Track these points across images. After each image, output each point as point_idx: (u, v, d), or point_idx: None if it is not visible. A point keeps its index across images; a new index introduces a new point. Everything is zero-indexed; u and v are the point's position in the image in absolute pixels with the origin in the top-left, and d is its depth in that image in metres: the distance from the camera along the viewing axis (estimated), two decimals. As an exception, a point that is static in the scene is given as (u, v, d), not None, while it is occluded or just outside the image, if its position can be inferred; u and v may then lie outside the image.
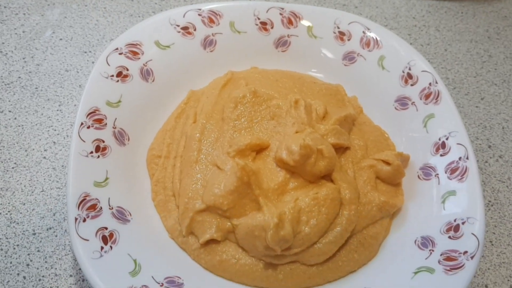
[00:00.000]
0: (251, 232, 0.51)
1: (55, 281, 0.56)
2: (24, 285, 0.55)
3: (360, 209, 0.55)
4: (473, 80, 0.82)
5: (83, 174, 0.52)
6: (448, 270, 0.49)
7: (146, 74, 0.64)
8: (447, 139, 0.59)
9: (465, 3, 0.94)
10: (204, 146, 0.57)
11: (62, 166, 0.65)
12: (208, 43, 0.69)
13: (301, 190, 0.54)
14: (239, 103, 0.59)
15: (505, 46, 0.88)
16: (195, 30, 0.68)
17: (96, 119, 0.57)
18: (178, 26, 0.67)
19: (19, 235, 0.59)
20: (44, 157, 0.65)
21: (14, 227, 0.59)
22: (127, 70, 0.62)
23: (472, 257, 0.49)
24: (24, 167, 0.64)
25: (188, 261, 0.54)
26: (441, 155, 0.59)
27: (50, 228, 0.60)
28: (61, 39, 0.79)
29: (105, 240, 0.50)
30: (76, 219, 0.49)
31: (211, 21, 0.69)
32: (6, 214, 0.60)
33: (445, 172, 0.57)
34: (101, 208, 0.52)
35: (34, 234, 0.59)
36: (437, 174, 0.58)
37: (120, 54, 0.63)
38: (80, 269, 0.55)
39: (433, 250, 0.52)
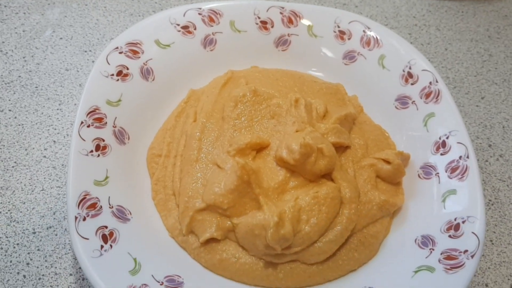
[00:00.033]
0: (251, 231, 0.51)
1: (55, 280, 0.56)
2: (24, 284, 0.55)
3: (361, 208, 0.55)
4: (474, 79, 0.82)
5: (83, 173, 0.52)
6: (449, 269, 0.49)
7: (146, 73, 0.64)
8: (447, 138, 0.59)
9: (465, 2, 0.94)
10: (204, 145, 0.57)
11: (62, 165, 0.65)
12: (208, 42, 0.69)
13: (301, 189, 0.54)
14: (239, 102, 0.59)
15: (505, 45, 0.88)
16: (195, 29, 0.68)
17: (96, 118, 0.57)
18: (178, 25, 0.67)
19: (19, 234, 0.59)
20: (44, 156, 0.65)
21: (14, 226, 0.59)
22: (127, 69, 0.62)
23: (472, 256, 0.49)
24: (24, 166, 0.64)
25: (188, 260, 0.54)
26: (441, 154, 0.59)
27: (50, 227, 0.60)
28: (61, 38, 0.79)
29: (105, 239, 0.50)
30: (76, 218, 0.49)
31: (211, 20, 0.69)
32: (6, 213, 0.60)
33: (446, 171, 0.57)
34: (101, 207, 0.52)
35: (34, 233, 0.59)
36: (438, 173, 0.58)
37: (120, 53, 0.63)
38: (80, 268, 0.55)
39: (433, 249, 0.52)
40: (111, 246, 0.50)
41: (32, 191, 0.62)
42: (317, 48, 0.71)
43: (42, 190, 0.62)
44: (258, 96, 0.60)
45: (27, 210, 0.61)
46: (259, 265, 0.53)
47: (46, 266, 0.57)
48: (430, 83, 0.63)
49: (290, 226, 0.50)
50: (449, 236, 0.52)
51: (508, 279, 0.60)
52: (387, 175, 0.58)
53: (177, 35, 0.67)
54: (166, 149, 0.60)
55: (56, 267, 0.57)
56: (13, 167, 0.64)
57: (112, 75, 0.61)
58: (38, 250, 0.58)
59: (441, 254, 0.51)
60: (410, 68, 0.66)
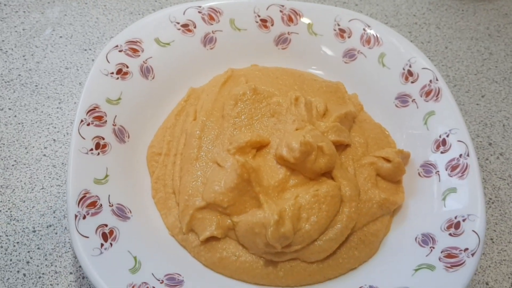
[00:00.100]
0: (251, 229, 0.51)
1: (55, 279, 0.56)
2: (24, 283, 0.55)
3: (361, 206, 0.55)
4: (474, 77, 0.82)
5: (83, 171, 0.52)
6: (449, 267, 0.49)
7: (146, 71, 0.64)
8: (447, 136, 0.59)
9: (465, 0, 0.94)
10: (204, 144, 0.57)
11: (62, 163, 0.65)
12: (208, 40, 0.69)
13: (301, 187, 0.54)
14: (239, 101, 0.59)
15: (505, 44, 0.87)
16: (195, 27, 0.68)
17: (96, 116, 0.57)
18: (178, 23, 0.67)
19: (19, 232, 0.59)
20: (44, 155, 0.65)
21: (14, 224, 0.59)
22: (127, 67, 0.62)
23: (472, 254, 0.49)
24: (24, 164, 0.64)
25: (188, 258, 0.54)
26: (441, 152, 0.59)
27: (50, 226, 0.60)
28: (61, 36, 0.79)
29: (105, 237, 0.50)
30: (76, 216, 0.49)
31: (211, 18, 0.69)
32: (6, 211, 0.60)
33: (446, 169, 0.57)
34: (101, 205, 0.52)
35: (34, 231, 0.59)
36: (438, 171, 0.58)
37: (120, 51, 0.62)
38: (80, 266, 0.55)
39: (433, 247, 0.52)
40: (111, 244, 0.49)
41: (32, 189, 0.62)
42: (317, 47, 0.71)
43: (42, 188, 0.62)
44: (258, 94, 0.60)
45: (27, 208, 0.61)
46: (259, 263, 0.52)
47: (46, 265, 0.57)
48: (430, 81, 0.63)
49: (290, 224, 0.50)
50: (450, 234, 0.52)
51: (509, 278, 0.60)
52: (387, 174, 0.58)
53: (177, 34, 0.67)
54: (166, 148, 0.60)
55: (56, 266, 0.57)
56: (13, 165, 0.64)
57: (112, 73, 0.61)
58: (38, 248, 0.58)
59: (441, 252, 0.51)
60: (410, 66, 0.65)
